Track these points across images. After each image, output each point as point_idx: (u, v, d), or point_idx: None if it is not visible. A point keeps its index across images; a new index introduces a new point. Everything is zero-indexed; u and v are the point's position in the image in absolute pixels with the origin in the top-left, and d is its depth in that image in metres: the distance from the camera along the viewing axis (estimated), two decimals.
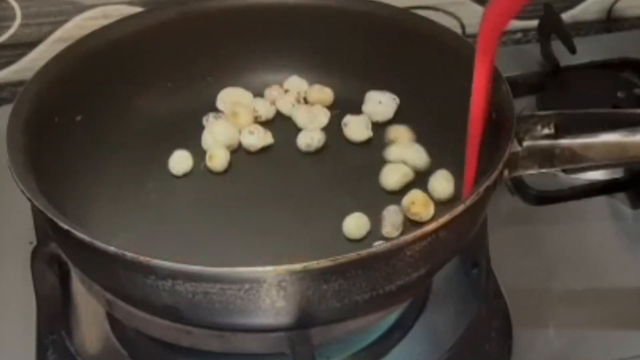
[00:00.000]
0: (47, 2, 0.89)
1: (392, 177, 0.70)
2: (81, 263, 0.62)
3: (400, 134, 0.74)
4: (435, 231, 0.57)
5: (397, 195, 0.69)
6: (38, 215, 0.67)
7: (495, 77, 0.67)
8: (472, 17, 0.98)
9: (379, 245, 0.56)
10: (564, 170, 0.81)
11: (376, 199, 0.69)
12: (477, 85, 0.63)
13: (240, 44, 0.78)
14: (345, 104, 0.77)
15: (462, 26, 0.98)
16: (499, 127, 0.65)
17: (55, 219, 0.57)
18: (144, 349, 0.66)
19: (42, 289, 0.68)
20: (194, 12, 0.77)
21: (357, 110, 0.76)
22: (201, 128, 0.75)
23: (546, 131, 0.64)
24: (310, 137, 0.74)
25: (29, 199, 0.59)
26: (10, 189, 0.61)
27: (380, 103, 0.76)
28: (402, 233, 0.66)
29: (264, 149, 0.74)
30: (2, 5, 0.88)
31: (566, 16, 0.99)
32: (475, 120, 0.63)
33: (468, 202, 0.58)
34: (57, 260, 0.67)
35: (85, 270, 0.62)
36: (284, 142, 0.75)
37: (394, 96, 0.76)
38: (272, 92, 0.77)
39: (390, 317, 0.66)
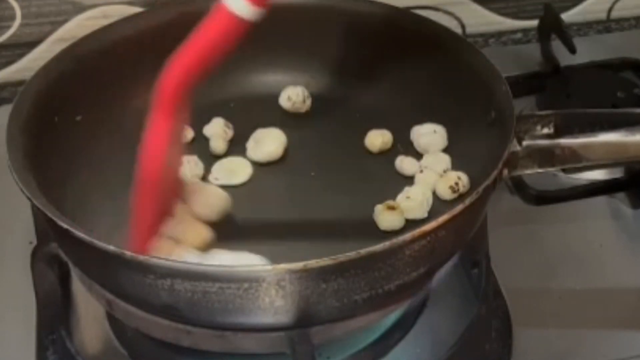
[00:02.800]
0: (47, 2, 0.89)
1: None
2: (81, 262, 0.62)
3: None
4: (435, 230, 0.57)
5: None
6: (38, 215, 0.67)
7: (495, 77, 0.68)
8: (472, 17, 0.98)
9: (378, 245, 0.56)
10: (564, 170, 0.81)
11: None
12: (152, 140, 0.59)
13: (241, 44, 0.78)
14: (345, 103, 0.77)
15: (462, 26, 0.98)
16: (499, 127, 0.65)
17: (55, 219, 0.57)
18: (144, 349, 0.66)
19: (42, 289, 0.68)
20: (194, 12, 0.77)
21: (355, 108, 0.76)
22: (201, 128, 0.75)
23: (546, 131, 0.65)
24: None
25: (29, 199, 0.59)
26: (10, 189, 0.61)
27: (435, 132, 0.73)
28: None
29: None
30: (2, 5, 0.88)
31: (566, 16, 0.99)
32: (148, 179, 0.60)
33: (467, 202, 0.58)
34: (57, 260, 0.67)
35: (85, 270, 0.62)
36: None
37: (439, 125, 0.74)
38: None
39: (390, 317, 0.66)
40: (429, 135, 0.73)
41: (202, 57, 0.59)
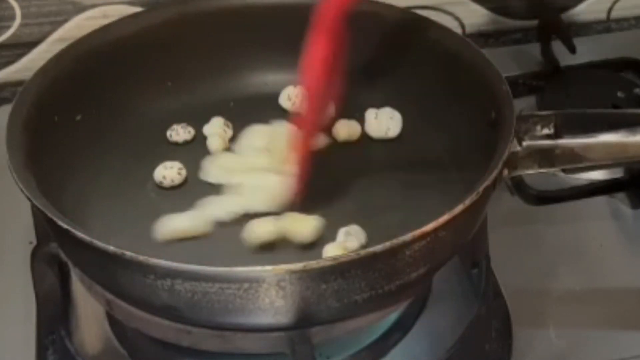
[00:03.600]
0: (47, 2, 0.89)
1: None
2: (81, 263, 0.62)
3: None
4: (435, 231, 0.57)
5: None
6: (38, 215, 0.67)
7: (495, 77, 0.68)
8: (472, 17, 0.98)
9: (378, 245, 0.56)
10: (564, 170, 0.81)
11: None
12: (313, 55, 0.66)
13: (241, 44, 0.79)
14: (344, 103, 0.76)
15: (462, 26, 0.98)
16: (499, 127, 0.65)
17: (55, 219, 0.57)
18: (144, 349, 0.66)
19: (42, 289, 0.68)
20: (194, 12, 0.77)
21: (355, 107, 0.76)
22: (201, 127, 0.75)
23: (546, 131, 0.64)
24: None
25: (28, 199, 0.59)
26: (10, 189, 0.61)
27: (392, 118, 0.75)
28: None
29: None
30: (2, 5, 0.88)
31: (566, 16, 0.99)
32: (310, 94, 0.66)
33: (467, 202, 0.58)
34: (57, 260, 0.67)
35: (85, 270, 0.62)
36: None
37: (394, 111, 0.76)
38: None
39: (390, 317, 0.66)
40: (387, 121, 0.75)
41: None
